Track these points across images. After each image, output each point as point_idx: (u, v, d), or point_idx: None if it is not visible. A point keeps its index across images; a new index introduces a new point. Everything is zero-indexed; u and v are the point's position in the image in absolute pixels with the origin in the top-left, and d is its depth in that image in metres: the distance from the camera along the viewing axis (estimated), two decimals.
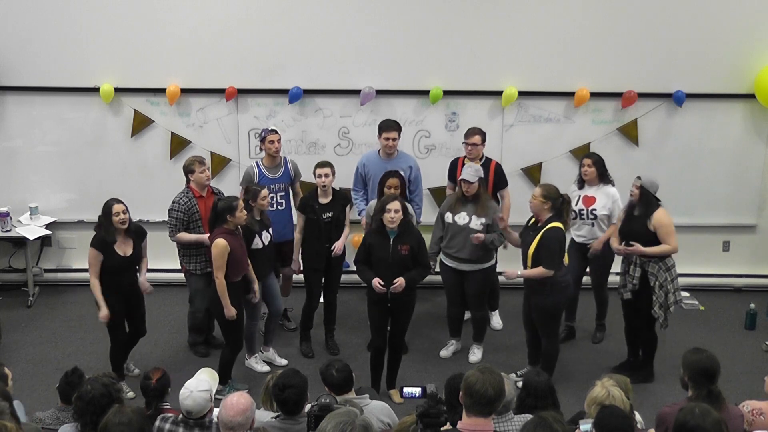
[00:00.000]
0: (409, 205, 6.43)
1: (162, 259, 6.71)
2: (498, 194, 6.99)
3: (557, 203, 6.05)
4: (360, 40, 7.68)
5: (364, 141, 7.77)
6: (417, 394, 3.85)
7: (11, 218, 7.75)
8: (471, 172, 6.39)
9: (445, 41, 7.67)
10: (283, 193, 7.00)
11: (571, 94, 7.76)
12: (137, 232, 6.15)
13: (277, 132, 6.89)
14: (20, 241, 7.82)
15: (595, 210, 6.75)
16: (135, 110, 7.83)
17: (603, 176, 6.79)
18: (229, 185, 7.49)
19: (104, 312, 5.98)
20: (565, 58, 7.71)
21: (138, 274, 6.23)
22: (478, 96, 7.80)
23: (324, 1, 7.63)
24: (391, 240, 5.99)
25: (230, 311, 6.01)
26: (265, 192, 6.38)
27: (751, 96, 7.76)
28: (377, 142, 7.16)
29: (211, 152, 7.84)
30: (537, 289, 6.14)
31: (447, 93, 7.74)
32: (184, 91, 7.74)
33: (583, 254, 6.89)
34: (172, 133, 7.89)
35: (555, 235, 5.99)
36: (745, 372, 6.57)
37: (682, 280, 7.32)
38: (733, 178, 8.05)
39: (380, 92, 7.73)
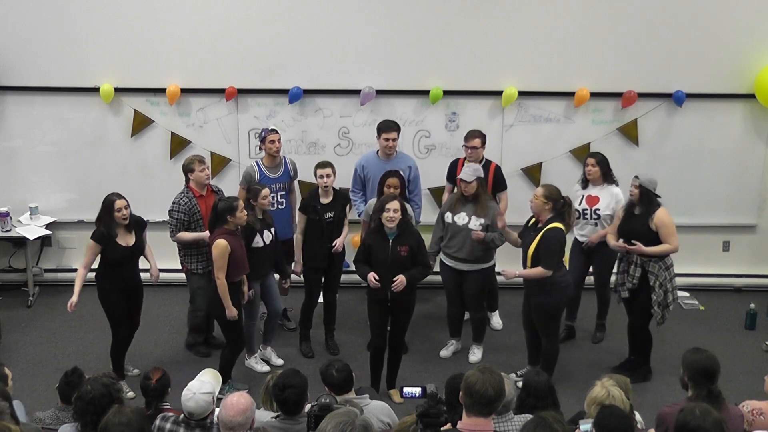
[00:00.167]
0: (408, 206, 6.44)
1: (162, 258, 6.71)
2: (496, 197, 6.98)
3: (558, 205, 6.05)
4: (360, 40, 7.68)
5: (364, 141, 7.77)
6: (417, 394, 3.86)
7: (11, 218, 7.75)
8: (469, 171, 6.39)
9: (445, 41, 7.67)
10: (284, 193, 7.01)
11: (571, 94, 7.76)
12: (138, 223, 6.21)
13: (277, 132, 6.90)
14: (20, 241, 7.83)
15: (598, 210, 6.74)
16: (135, 110, 7.83)
17: (607, 176, 6.79)
18: (229, 185, 7.49)
19: (74, 300, 6.05)
20: (565, 58, 7.71)
21: (147, 261, 6.39)
22: (478, 96, 7.80)
23: (324, 1, 7.63)
24: (390, 241, 5.99)
25: (232, 311, 6.01)
26: (266, 191, 6.39)
27: (751, 96, 7.76)
28: (377, 142, 7.16)
29: (211, 152, 7.84)
30: (537, 289, 6.13)
31: (447, 93, 7.73)
32: (184, 91, 7.74)
33: (586, 254, 6.89)
34: (172, 133, 7.89)
35: (555, 235, 5.99)
36: (745, 372, 6.57)
37: (682, 280, 7.36)
38: (733, 178, 8.05)
39: (380, 92, 7.73)
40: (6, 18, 7.61)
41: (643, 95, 7.75)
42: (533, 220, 6.21)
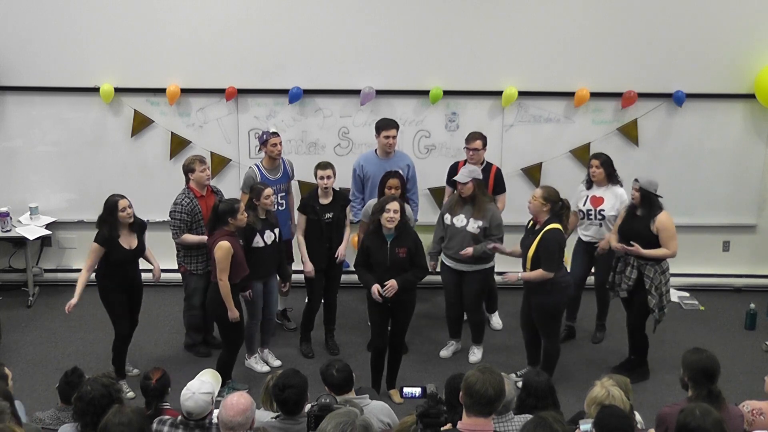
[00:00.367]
0: (408, 208, 6.44)
1: (161, 259, 6.69)
2: (494, 199, 6.97)
3: (556, 207, 6.04)
4: (360, 40, 7.68)
5: (364, 141, 7.76)
6: (417, 394, 3.86)
7: (11, 218, 7.75)
8: (464, 173, 6.39)
9: (445, 41, 7.67)
10: (284, 194, 7.01)
11: (571, 94, 7.76)
12: (139, 225, 6.23)
13: (278, 135, 6.89)
14: (20, 241, 7.82)
15: (603, 210, 6.74)
16: (135, 110, 7.83)
17: (611, 176, 6.78)
18: (229, 185, 7.50)
19: (73, 302, 6.05)
20: (565, 58, 7.71)
21: (148, 262, 6.43)
22: (478, 96, 7.80)
23: (324, 1, 7.63)
24: (389, 243, 5.99)
25: (234, 313, 6.02)
26: (269, 191, 6.38)
27: (751, 96, 7.76)
28: (376, 141, 7.16)
29: (211, 152, 7.84)
30: (537, 290, 6.13)
31: (447, 93, 7.73)
32: (184, 91, 7.74)
33: (589, 254, 6.89)
34: (172, 133, 7.89)
35: (554, 236, 5.99)
36: (745, 372, 6.57)
37: (682, 280, 7.37)
38: (733, 178, 8.05)
39: (380, 92, 7.73)
40: (6, 18, 7.61)
41: (643, 95, 7.75)
42: (532, 222, 6.21)
